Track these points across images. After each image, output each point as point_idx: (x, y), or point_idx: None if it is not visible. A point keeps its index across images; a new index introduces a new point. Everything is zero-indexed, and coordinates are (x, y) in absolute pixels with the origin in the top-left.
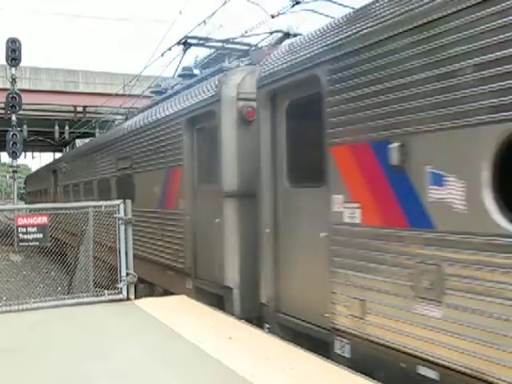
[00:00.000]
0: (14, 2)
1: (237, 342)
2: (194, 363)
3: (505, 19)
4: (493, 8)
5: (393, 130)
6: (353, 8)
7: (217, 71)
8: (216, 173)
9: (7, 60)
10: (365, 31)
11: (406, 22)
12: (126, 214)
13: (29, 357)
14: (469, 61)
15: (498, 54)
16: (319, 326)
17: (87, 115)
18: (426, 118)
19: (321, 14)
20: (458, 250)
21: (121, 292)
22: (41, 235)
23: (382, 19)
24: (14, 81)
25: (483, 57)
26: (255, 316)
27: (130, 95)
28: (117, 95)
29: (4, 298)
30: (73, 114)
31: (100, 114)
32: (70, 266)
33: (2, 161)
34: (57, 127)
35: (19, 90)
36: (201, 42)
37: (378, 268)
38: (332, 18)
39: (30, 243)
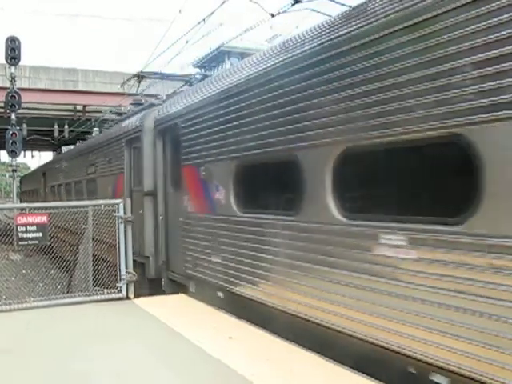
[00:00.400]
0: (14, 2)
1: (237, 341)
2: (194, 362)
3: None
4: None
5: (201, 160)
6: (351, 6)
7: (148, 106)
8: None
9: (7, 59)
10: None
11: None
12: (125, 213)
13: (28, 356)
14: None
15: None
16: (183, 276)
17: (87, 114)
18: (214, 155)
19: (320, 13)
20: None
21: (120, 291)
22: (40, 234)
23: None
24: (13, 79)
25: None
26: (160, 276)
27: (129, 94)
28: (116, 94)
29: (4, 297)
30: (72, 113)
31: (99, 112)
32: (65, 262)
33: (2, 160)
34: (56, 126)
35: (19, 88)
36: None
37: (203, 237)
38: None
39: (30, 242)
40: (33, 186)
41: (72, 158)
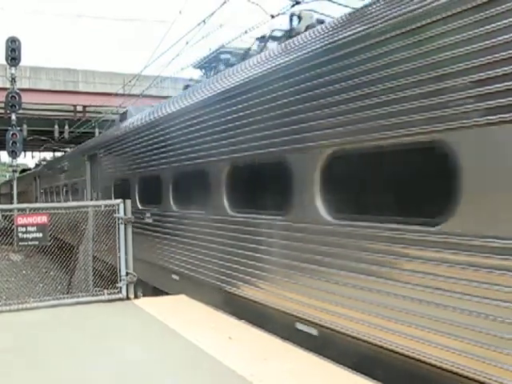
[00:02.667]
0: (14, 2)
1: (237, 341)
2: (193, 363)
3: None
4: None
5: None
6: (352, 8)
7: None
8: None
9: (7, 59)
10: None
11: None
12: (125, 214)
13: (28, 356)
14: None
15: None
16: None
17: (87, 115)
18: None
19: (319, 13)
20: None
21: (120, 291)
22: (40, 235)
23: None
24: (13, 80)
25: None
26: None
27: (129, 95)
28: (116, 95)
29: (4, 298)
30: (72, 114)
31: (100, 113)
32: (60, 258)
33: (2, 160)
34: (56, 127)
35: (19, 89)
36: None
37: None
38: (332, 17)
39: (30, 243)
40: (26, 188)
41: (55, 165)
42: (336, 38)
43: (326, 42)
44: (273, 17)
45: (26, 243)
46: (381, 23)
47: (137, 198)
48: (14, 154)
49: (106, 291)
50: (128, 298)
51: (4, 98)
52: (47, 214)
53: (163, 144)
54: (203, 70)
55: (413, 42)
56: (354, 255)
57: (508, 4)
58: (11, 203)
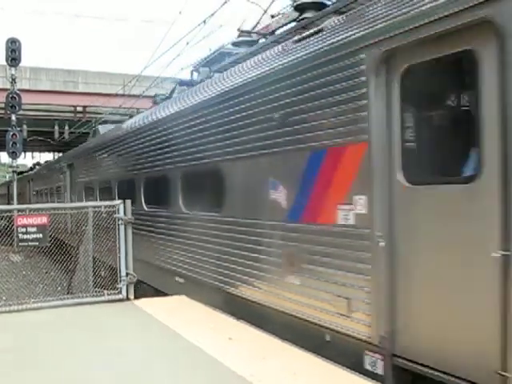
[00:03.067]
0: (14, 2)
1: (236, 342)
2: (193, 363)
3: None
4: None
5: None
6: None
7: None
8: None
9: (7, 60)
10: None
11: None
12: (125, 214)
13: (28, 357)
14: None
15: None
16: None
17: (87, 115)
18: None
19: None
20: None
21: (120, 292)
22: (40, 235)
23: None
24: (13, 81)
25: None
26: None
27: (129, 95)
28: (116, 95)
29: (4, 298)
30: (72, 114)
31: (100, 114)
32: (60, 258)
33: (2, 161)
34: (56, 127)
35: (19, 90)
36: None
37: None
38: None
39: (30, 243)
40: (21, 190)
41: (42, 171)
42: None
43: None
44: (273, 17)
45: (26, 244)
46: None
47: (97, 199)
48: (13, 155)
49: (106, 292)
50: (128, 299)
51: (4, 98)
52: (47, 214)
53: (119, 159)
54: (198, 73)
55: None
56: (196, 230)
57: None
58: (7, 204)
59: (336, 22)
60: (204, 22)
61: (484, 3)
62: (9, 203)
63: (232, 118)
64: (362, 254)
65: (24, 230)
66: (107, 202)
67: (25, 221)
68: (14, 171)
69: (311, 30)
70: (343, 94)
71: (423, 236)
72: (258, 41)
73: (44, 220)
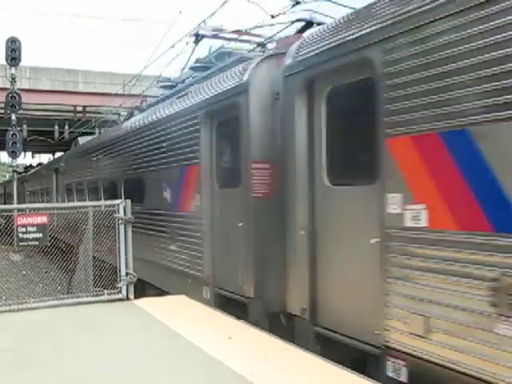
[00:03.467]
0: (14, 2)
1: (237, 341)
2: (193, 363)
3: None
4: None
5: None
6: (352, 8)
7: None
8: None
9: (7, 60)
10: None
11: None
12: (125, 214)
13: (28, 357)
14: None
15: None
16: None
17: (87, 115)
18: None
19: (319, 13)
20: None
21: (120, 292)
22: (40, 235)
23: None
24: (13, 80)
25: None
26: None
27: (129, 95)
28: (116, 95)
29: (4, 298)
30: (72, 114)
31: (100, 113)
32: (60, 258)
33: (2, 160)
34: (56, 127)
35: (19, 89)
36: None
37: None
38: (332, 18)
39: (30, 243)
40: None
41: (32, 175)
42: None
43: None
44: (273, 17)
45: (26, 243)
46: None
47: (75, 198)
48: (13, 155)
49: (106, 291)
50: (128, 299)
51: (4, 98)
52: (47, 214)
53: (87, 166)
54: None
55: None
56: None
57: None
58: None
59: (196, 88)
60: (204, 22)
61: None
62: (5, 203)
63: (143, 146)
64: (198, 231)
65: (24, 229)
66: (107, 202)
67: (25, 220)
68: (14, 171)
69: (183, 93)
70: (189, 135)
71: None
72: (177, 85)
73: (44, 219)
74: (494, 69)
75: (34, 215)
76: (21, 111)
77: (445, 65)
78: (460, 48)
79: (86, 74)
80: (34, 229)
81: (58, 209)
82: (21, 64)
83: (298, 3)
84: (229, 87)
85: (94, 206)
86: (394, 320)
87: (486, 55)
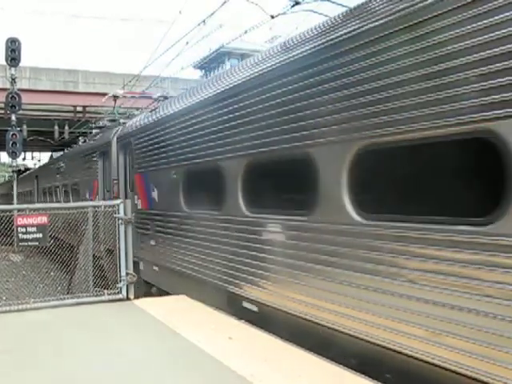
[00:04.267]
0: (14, 2)
1: (237, 341)
2: (193, 363)
3: None
4: None
5: None
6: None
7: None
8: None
9: (7, 60)
10: None
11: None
12: (125, 214)
13: (28, 357)
14: None
15: None
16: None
17: (87, 115)
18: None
19: (318, 13)
20: None
21: (120, 292)
22: (40, 235)
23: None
24: (13, 81)
25: None
26: None
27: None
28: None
29: (4, 298)
30: (72, 114)
31: (100, 113)
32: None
33: (2, 161)
34: (56, 127)
35: (19, 89)
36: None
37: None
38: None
39: (30, 243)
40: (8, 191)
41: (24, 178)
42: None
43: None
44: (273, 17)
45: (26, 243)
46: None
47: (61, 199)
48: (13, 155)
49: (106, 291)
50: (128, 299)
51: (4, 98)
52: (47, 214)
53: (53, 173)
54: (203, 71)
55: None
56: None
57: None
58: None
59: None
60: (204, 21)
61: None
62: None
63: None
64: (146, 223)
65: (24, 229)
66: (107, 202)
67: (25, 221)
68: (13, 171)
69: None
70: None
71: None
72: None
73: (44, 220)
74: None
75: (34, 215)
76: (21, 111)
77: None
78: None
79: (86, 74)
80: (34, 229)
81: (57, 209)
82: (21, 64)
83: (297, 3)
84: (106, 140)
85: (94, 207)
86: None
87: None
